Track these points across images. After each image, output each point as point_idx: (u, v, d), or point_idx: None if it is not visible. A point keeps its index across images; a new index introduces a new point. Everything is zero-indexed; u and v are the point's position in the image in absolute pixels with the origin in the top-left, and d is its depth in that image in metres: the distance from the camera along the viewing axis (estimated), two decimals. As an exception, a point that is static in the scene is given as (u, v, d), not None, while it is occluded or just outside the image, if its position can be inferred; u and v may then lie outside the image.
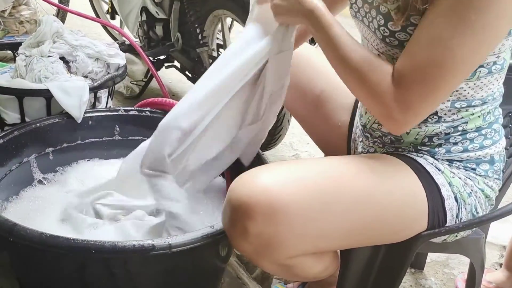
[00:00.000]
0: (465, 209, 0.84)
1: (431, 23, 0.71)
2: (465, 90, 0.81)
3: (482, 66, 0.79)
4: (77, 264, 0.86)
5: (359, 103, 1.00)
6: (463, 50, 0.69)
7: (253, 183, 0.73)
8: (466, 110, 0.83)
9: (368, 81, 0.75)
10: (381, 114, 0.76)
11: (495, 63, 0.80)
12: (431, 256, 1.43)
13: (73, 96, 1.22)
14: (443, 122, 0.83)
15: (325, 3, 0.81)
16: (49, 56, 1.35)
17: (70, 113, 1.22)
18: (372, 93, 0.75)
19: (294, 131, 1.98)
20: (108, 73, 1.43)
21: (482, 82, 0.81)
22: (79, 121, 1.24)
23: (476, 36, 0.69)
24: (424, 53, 0.71)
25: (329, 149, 1.10)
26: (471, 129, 0.84)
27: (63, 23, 1.49)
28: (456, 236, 0.89)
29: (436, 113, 0.83)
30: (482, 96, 0.82)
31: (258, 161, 1.06)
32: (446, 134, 0.84)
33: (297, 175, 0.76)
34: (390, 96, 0.73)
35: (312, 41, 1.53)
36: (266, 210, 0.71)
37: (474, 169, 0.85)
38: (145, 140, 1.28)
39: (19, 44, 1.42)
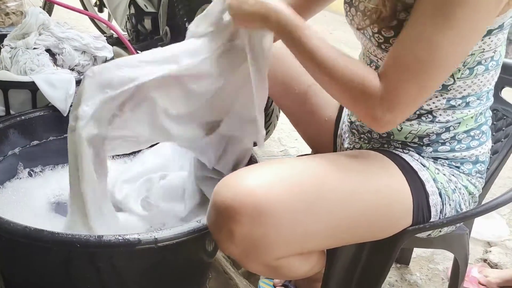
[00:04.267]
0: (449, 205, 0.85)
1: (414, 22, 0.71)
2: (461, 87, 0.81)
3: (480, 63, 0.80)
4: (62, 258, 0.85)
5: None
6: (446, 45, 0.69)
7: (238, 186, 0.72)
8: (461, 112, 0.83)
9: (352, 87, 0.73)
10: (367, 116, 0.74)
11: (492, 58, 0.80)
12: (417, 252, 1.45)
13: (59, 89, 1.21)
14: (437, 122, 0.84)
15: (300, 2, 0.79)
16: (34, 48, 1.33)
17: (56, 106, 1.21)
18: (358, 98, 0.74)
19: (283, 126, 1.98)
20: (94, 65, 1.41)
21: (479, 80, 0.81)
22: (65, 114, 1.23)
23: (457, 30, 0.69)
24: (408, 52, 0.71)
25: (315, 144, 1.11)
26: (462, 130, 0.85)
27: (50, 15, 1.47)
28: (440, 231, 0.90)
29: (431, 112, 0.83)
30: (477, 92, 0.83)
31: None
32: (438, 135, 0.85)
33: (281, 176, 0.75)
34: (376, 98, 0.72)
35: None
36: (252, 212, 0.70)
37: (458, 167, 0.86)
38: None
39: (5, 35, 1.40)
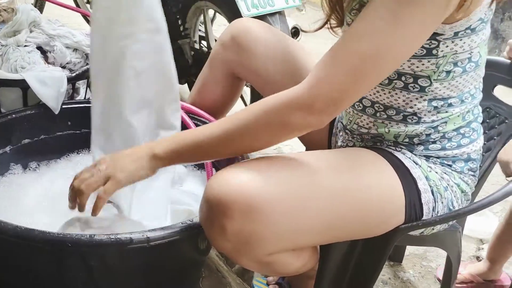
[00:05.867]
0: (442, 202, 0.85)
1: (364, 17, 0.71)
2: (440, 90, 0.82)
3: (456, 65, 0.80)
4: (54, 257, 0.84)
5: None
6: (390, 43, 0.69)
7: (230, 181, 0.72)
8: (446, 112, 0.84)
9: (274, 120, 0.72)
10: (300, 111, 0.72)
11: (469, 60, 0.81)
12: (410, 249, 1.45)
13: (51, 86, 1.20)
14: (422, 123, 0.84)
15: None
16: (25, 46, 1.31)
17: (47, 104, 1.20)
18: (285, 107, 0.72)
19: (276, 124, 1.98)
20: (87, 63, 1.40)
21: (457, 82, 0.82)
22: (56, 112, 1.22)
23: (404, 28, 0.69)
24: (352, 46, 0.70)
25: (310, 143, 1.11)
26: (451, 129, 0.85)
27: (41, 13, 1.46)
28: (433, 229, 0.90)
29: (415, 114, 0.84)
30: (458, 94, 0.83)
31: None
32: (427, 135, 0.85)
33: (274, 172, 0.75)
34: (301, 96, 0.71)
35: (294, 35, 1.53)
36: (244, 208, 0.70)
37: (450, 165, 0.86)
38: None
39: (-5, 33, 1.38)
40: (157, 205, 1.00)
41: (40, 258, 0.85)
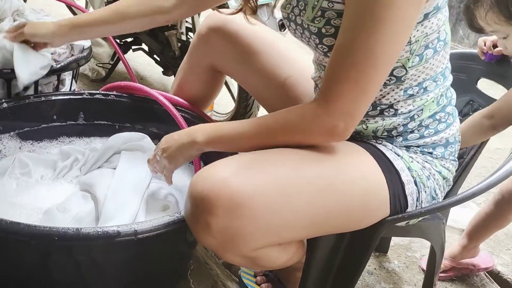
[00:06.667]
0: (425, 192, 0.86)
1: (346, 29, 0.73)
2: (415, 75, 0.82)
3: (427, 47, 0.81)
4: (40, 251, 0.84)
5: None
6: (379, 48, 0.70)
7: (214, 178, 0.72)
8: (421, 99, 0.84)
9: (295, 129, 0.78)
10: (325, 136, 0.77)
11: (438, 39, 0.81)
12: (395, 240, 1.47)
13: (32, 62, 1.15)
14: (400, 114, 0.85)
15: None
16: (8, 36, 1.29)
17: (17, 75, 1.14)
18: (307, 133, 0.77)
19: (264, 117, 1.98)
20: (72, 55, 1.38)
21: (430, 63, 0.83)
22: (20, 87, 1.18)
23: (388, 31, 0.70)
24: (344, 60, 0.72)
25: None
26: (426, 116, 0.86)
27: (25, 1, 1.43)
28: (418, 219, 0.92)
29: (391, 106, 0.84)
30: (431, 76, 0.84)
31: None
32: (404, 125, 0.86)
33: (258, 167, 0.75)
34: (319, 121, 0.75)
35: (281, 27, 1.53)
36: (228, 204, 0.70)
37: (430, 153, 0.87)
38: (110, 124, 1.27)
39: (-23, 22, 1.35)
40: (132, 196, 1.00)
41: (25, 252, 0.85)
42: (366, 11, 0.69)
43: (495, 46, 1.13)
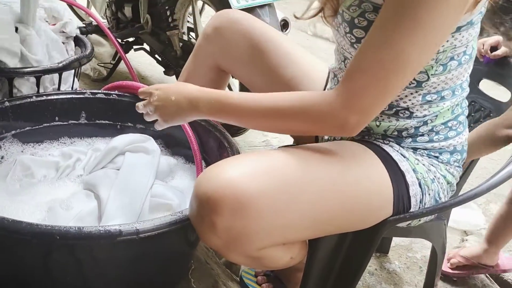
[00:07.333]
0: (429, 194, 0.86)
1: (380, 25, 0.72)
2: (435, 83, 0.82)
3: (452, 58, 0.81)
4: (42, 250, 0.84)
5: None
6: (410, 50, 0.70)
7: (219, 177, 0.72)
8: (437, 106, 0.84)
9: (307, 116, 0.75)
10: (335, 129, 0.76)
11: (464, 53, 0.81)
12: (396, 240, 1.47)
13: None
14: (414, 117, 0.85)
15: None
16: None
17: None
18: (318, 121, 0.75)
19: (265, 117, 1.98)
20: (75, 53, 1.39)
21: (453, 75, 0.83)
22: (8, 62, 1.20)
23: (424, 36, 0.69)
24: (372, 56, 0.71)
25: (297, 136, 1.11)
26: (440, 122, 0.86)
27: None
28: (419, 220, 0.92)
29: (407, 109, 0.84)
30: (451, 86, 0.84)
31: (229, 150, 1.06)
32: (416, 128, 0.86)
33: (263, 167, 0.75)
34: (334, 110, 0.73)
35: (283, 28, 1.53)
36: (233, 204, 0.70)
37: (437, 157, 0.88)
38: (111, 124, 1.27)
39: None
40: (135, 197, 1.00)
41: (27, 251, 0.85)
42: (407, 11, 0.68)
43: (493, 49, 1.13)
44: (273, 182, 0.74)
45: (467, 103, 0.92)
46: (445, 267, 1.38)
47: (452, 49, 0.79)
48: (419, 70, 0.76)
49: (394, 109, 0.85)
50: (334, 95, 0.74)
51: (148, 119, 0.94)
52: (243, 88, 1.65)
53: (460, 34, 0.78)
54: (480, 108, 1.13)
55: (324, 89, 1.02)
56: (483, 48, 1.13)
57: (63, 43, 1.40)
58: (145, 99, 0.94)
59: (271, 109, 0.78)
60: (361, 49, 0.73)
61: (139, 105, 0.94)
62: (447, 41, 0.78)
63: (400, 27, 0.69)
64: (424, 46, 0.70)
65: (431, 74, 0.81)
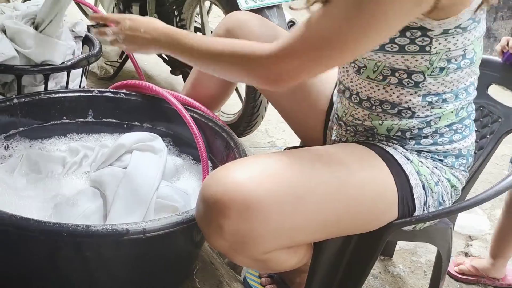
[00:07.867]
0: (432, 197, 0.86)
1: (334, 2, 0.71)
2: (434, 85, 0.83)
3: (450, 61, 0.81)
4: (49, 247, 0.84)
5: (335, 91, 1.01)
6: (352, 32, 0.70)
7: (227, 180, 0.72)
8: (440, 107, 0.84)
9: (240, 58, 0.79)
10: (261, 78, 0.78)
11: (463, 57, 0.82)
12: (400, 244, 1.47)
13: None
14: (416, 117, 0.85)
15: None
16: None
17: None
18: (247, 65, 0.78)
19: (270, 118, 1.98)
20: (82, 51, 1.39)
21: (451, 78, 0.83)
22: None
23: (365, 23, 0.69)
24: (316, 25, 0.72)
25: (306, 137, 1.11)
26: (443, 125, 0.86)
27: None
28: (424, 223, 0.92)
29: (409, 108, 0.85)
30: (453, 90, 0.84)
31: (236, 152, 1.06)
32: (419, 129, 0.86)
33: (270, 170, 0.75)
34: (265, 64, 0.76)
35: (290, 29, 1.53)
36: (241, 207, 0.70)
37: (441, 160, 0.87)
38: (118, 122, 1.28)
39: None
40: (141, 198, 1.00)
41: (34, 248, 0.85)
42: None
43: None
44: (280, 186, 0.74)
45: (474, 107, 0.92)
46: (453, 270, 1.38)
47: (446, 52, 0.80)
48: (359, 52, 0.76)
49: (397, 109, 0.85)
50: (271, 49, 0.76)
51: (113, 45, 1.00)
52: (249, 89, 1.65)
53: (453, 37, 0.78)
54: (488, 113, 1.13)
55: (334, 89, 1.03)
56: (507, 45, 1.12)
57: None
58: (106, 25, 1.00)
59: (209, 49, 0.84)
60: (309, 19, 0.74)
61: (107, 31, 0.99)
62: (439, 43, 0.78)
63: (346, 6, 0.69)
64: (364, 35, 0.70)
65: (427, 75, 0.81)
